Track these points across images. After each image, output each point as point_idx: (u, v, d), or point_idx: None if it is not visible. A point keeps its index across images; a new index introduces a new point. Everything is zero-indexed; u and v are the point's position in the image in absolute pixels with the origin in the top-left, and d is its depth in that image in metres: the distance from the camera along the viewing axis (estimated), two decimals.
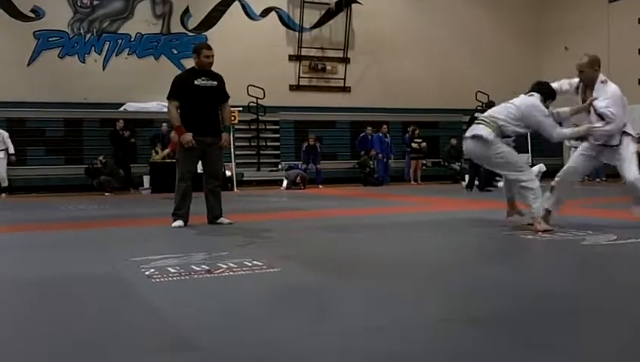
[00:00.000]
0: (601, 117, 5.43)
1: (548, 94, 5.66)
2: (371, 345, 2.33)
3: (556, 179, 5.80)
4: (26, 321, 2.84)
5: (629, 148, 5.50)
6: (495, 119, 5.57)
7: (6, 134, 14.01)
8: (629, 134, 5.53)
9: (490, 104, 13.64)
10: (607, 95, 5.42)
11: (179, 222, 6.39)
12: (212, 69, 6.63)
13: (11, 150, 13.98)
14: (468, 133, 5.72)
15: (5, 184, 13.95)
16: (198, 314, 2.87)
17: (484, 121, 5.61)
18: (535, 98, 5.58)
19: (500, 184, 14.01)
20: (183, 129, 6.44)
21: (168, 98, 6.59)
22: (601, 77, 5.52)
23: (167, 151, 14.86)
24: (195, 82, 6.48)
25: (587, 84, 5.57)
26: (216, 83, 6.58)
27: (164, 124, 14.79)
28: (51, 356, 2.30)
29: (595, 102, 5.44)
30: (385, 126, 17.28)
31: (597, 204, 9.19)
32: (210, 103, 6.59)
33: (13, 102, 15.15)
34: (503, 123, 5.51)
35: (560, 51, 20.06)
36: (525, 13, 20.82)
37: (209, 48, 6.66)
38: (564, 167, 5.91)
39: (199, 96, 6.47)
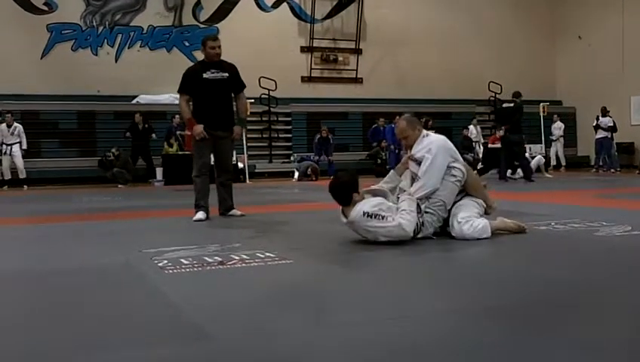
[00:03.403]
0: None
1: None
2: (383, 337, 2.33)
3: None
4: (38, 312, 2.86)
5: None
6: None
7: (21, 128, 14.12)
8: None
9: (517, 94, 13.04)
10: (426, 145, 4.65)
11: (201, 214, 6.29)
12: (224, 60, 6.55)
13: (24, 145, 14.07)
14: None
15: (23, 176, 14.08)
16: (211, 305, 2.87)
17: None
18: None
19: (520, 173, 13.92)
20: (193, 122, 6.42)
21: (179, 92, 6.55)
22: (424, 132, 4.82)
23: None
24: (204, 75, 6.37)
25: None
26: (227, 74, 6.46)
27: (177, 116, 14.72)
28: (62, 345, 2.32)
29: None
30: (397, 117, 17.18)
31: (611, 194, 9.12)
32: (221, 96, 6.48)
33: (27, 94, 15.26)
34: None
35: (574, 40, 19.89)
36: (539, 1, 20.63)
37: (214, 39, 6.52)
38: None
39: (208, 89, 6.38)
